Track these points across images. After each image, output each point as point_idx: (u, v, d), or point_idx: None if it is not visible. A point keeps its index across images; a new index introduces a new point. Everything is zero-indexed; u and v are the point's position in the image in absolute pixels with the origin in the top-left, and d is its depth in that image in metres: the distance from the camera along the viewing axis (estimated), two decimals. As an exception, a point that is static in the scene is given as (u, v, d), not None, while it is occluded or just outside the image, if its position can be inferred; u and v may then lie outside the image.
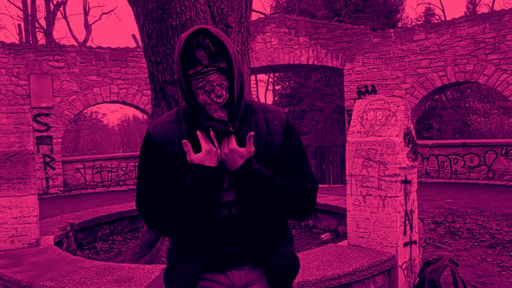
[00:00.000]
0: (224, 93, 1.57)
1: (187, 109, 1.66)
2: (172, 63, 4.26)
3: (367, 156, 3.69)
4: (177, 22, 4.12)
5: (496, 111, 18.43)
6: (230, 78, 1.59)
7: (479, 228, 6.59)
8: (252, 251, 1.69)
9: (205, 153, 1.56)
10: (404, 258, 3.64)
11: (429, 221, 7.02)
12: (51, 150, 13.16)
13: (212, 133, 1.58)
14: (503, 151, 11.38)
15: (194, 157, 1.56)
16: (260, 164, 1.61)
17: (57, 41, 25.61)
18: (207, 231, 1.66)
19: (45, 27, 25.47)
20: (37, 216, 4.15)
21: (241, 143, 1.59)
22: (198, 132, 1.59)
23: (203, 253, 1.68)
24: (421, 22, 24.65)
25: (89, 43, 26.83)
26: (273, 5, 27.04)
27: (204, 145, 1.57)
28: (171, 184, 1.63)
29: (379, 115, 3.75)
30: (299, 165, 1.73)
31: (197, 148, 1.58)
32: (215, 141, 1.58)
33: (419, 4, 47.15)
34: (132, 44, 24.62)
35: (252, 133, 1.57)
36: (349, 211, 3.82)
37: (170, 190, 1.63)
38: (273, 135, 1.68)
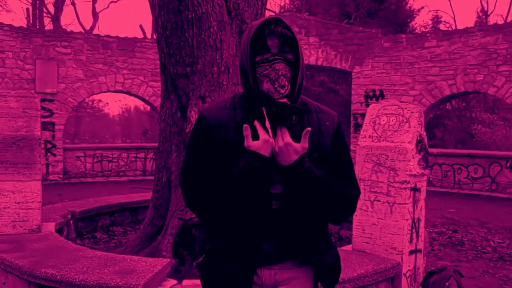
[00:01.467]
0: (287, 84, 1.58)
1: (244, 97, 1.66)
2: (185, 56, 4.20)
3: (377, 161, 3.64)
4: (193, 15, 4.07)
5: (502, 123, 18.37)
6: (294, 71, 1.59)
7: (481, 240, 6.55)
8: (289, 248, 1.65)
9: (262, 142, 1.53)
10: (409, 266, 3.59)
11: (431, 230, 6.98)
12: (53, 137, 13.13)
13: (267, 123, 1.56)
14: (508, 164, 11.32)
15: (252, 144, 1.53)
16: (310, 161, 1.58)
17: (63, 27, 25.55)
18: (247, 222, 1.62)
19: (53, 12, 25.43)
20: (40, 202, 4.11)
21: (294, 139, 1.57)
22: (256, 122, 1.57)
23: (236, 246, 1.63)
24: (428, 29, 24.55)
25: (95, 31, 26.82)
26: (284, 4, 26.96)
27: (262, 134, 1.54)
28: (218, 169, 1.61)
29: (392, 121, 3.69)
30: (345, 169, 1.72)
31: (252, 137, 1.56)
32: (269, 131, 1.56)
33: (429, 11, 46.96)
34: (139, 35, 24.55)
35: (309, 128, 1.55)
36: (356, 215, 3.77)
37: (216, 175, 1.61)
38: (324, 135, 1.67)
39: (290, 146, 1.54)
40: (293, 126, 1.60)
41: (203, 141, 1.66)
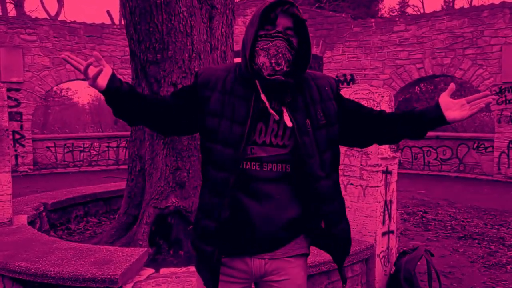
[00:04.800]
0: (283, 64, 1.59)
1: (240, 66, 1.68)
2: (154, 42, 4.13)
3: (350, 145, 3.69)
4: (162, 0, 4.00)
5: (468, 105, 18.79)
6: (295, 57, 1.62)
7: (451, 219, 6.75)
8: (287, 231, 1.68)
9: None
10: (382, 247, 3.68)
11: (402, 212, 7.14)
12: (21, 127, 12.79)
13: (263, 96, 1.59)
14: (475, 145, 11.65)
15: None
16: (318, 130, 1.65)
17: (28, 13, 24.74)
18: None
19: (16, -2, 24.57)
20: (10, 194, 4.03)
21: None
22: None
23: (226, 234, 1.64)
24: (395, 13, 24.79)
25: (61, 17, 26.10)
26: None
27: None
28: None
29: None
30: (364, 107, 1.79)
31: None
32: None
33: (397, -4, 47.35)
34: (107, 21, 24.00)
35: None
36: (330, 199, 3.82)
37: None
38: (326, 101, 1.70)
39: None
40: (295, 98, 1.65)
41: (189, 90, 1.72)
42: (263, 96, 1.59)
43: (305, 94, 1.67)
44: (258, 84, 1.60)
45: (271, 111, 1.59)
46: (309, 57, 1.65)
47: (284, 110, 1.62)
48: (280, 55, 1.58)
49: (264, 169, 1.61)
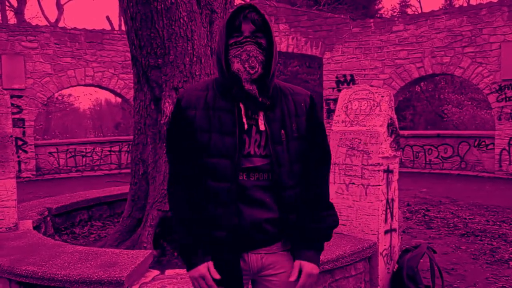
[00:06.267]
0: (257, 67, 1.67)
1: (218, 80, 1.77)
2: (156, 47, 4.18)
3: (351, 145, 3.73)
4: (162, 5, 4.05)
5: (469, 103, 18.84)
6: (266, 56, 1.69)
7: (453, 217, 6.77)
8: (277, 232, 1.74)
9: None
10: (385, 245, 3.71)
11: (405, 210, 7.17)
12: (23, 133, 12.86)
13: (241, 105, 1.68)
14: (476, 143, 11.68)
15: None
16: (292, 141, 1.73)
17: (28, 20, 24.86)
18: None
19: (15, 5, 24.69)
20: (15, 200, 4.06)
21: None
22: None
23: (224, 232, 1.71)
24: (396, 13, 24.83)
25: (61, 24, 26.19)
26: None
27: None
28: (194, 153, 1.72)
29: (364, 105, 3.78)
30: (319, 139, 1.84)
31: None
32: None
33: (396, -5, 47.45)
34: (106, 26, 24.09)
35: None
36: (332, 199, 3.83)
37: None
38: (300, 116, 1.78)
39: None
40: (273, 110, 1.72)
41: (178, 123, 1.75)
42: (241, 105, 1.68)
43: (283, 106, 1.75)
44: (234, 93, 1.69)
45: (244, 119, 1.68)
46: (275, 54, 1.71)
47: (261, 115, 1.71)
48: (253, 58, 1.66)
49: (251, 178, 1.70)
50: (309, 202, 1.77)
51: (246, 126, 1.68)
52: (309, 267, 1.72)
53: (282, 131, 1.71)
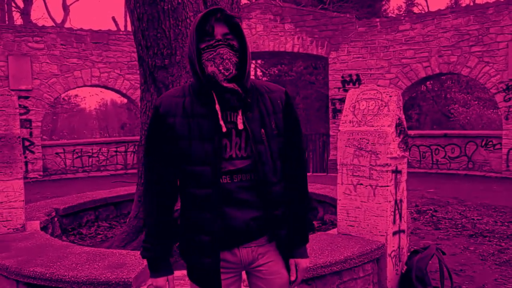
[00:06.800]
0: (232, 68, 1.68)
1: (193, 84, 1.77)
2: (162, 47, 4.18)
3: (359, 146, 3.71)
4: (169, 6, 4.05)
5: (476, 102, 18.74)
6: (239, 57, 1.71)
7: (461, 217, 6.73)
8: (265, 225, 1.79)
9: None
10: (393, 246, 3.68)
11: (412, 211, 7.13)
12: (30, 134, 12.91)
13: (217, 106, 1.67)
14: (483, 143, 11.60)
15: None
16: (272, 139, 1.76)
17: (34, 21, 24.98)
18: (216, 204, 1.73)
19: (22, 6, 24.80)
20: (23, 201, 4.07)
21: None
22: None
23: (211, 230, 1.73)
24: (402, 12, 24.74)
25: (67, 25, 26.32)
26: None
27: None
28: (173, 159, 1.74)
29: (372, 105, 3.76)
30: (295, 139, 1.87)
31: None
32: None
33: (401, -5, 47.20)
34: (112, 27, 24.16)
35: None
36: (340, 200, 3.84)
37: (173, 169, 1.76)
38: (277, 113, 1.81)
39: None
40: (252, 111, 1.74)
41: (156, 130, 1.75)
42: (217, 106, 1.68)
43: (260, 106, 1.77)
44: (214, 95, 1.68)
45: (221, 121, 1.68)
46: (248, 54, 1.73)
47: (239, 116, 1.72)
48: (227, 60, 1.67)
49: (234, 180, 1.72)
50: (294, 203, 1.84)
51: (224, 129, 1.68)
52: (304, 263, 1.85)
53: (262, 130, 1.74)
